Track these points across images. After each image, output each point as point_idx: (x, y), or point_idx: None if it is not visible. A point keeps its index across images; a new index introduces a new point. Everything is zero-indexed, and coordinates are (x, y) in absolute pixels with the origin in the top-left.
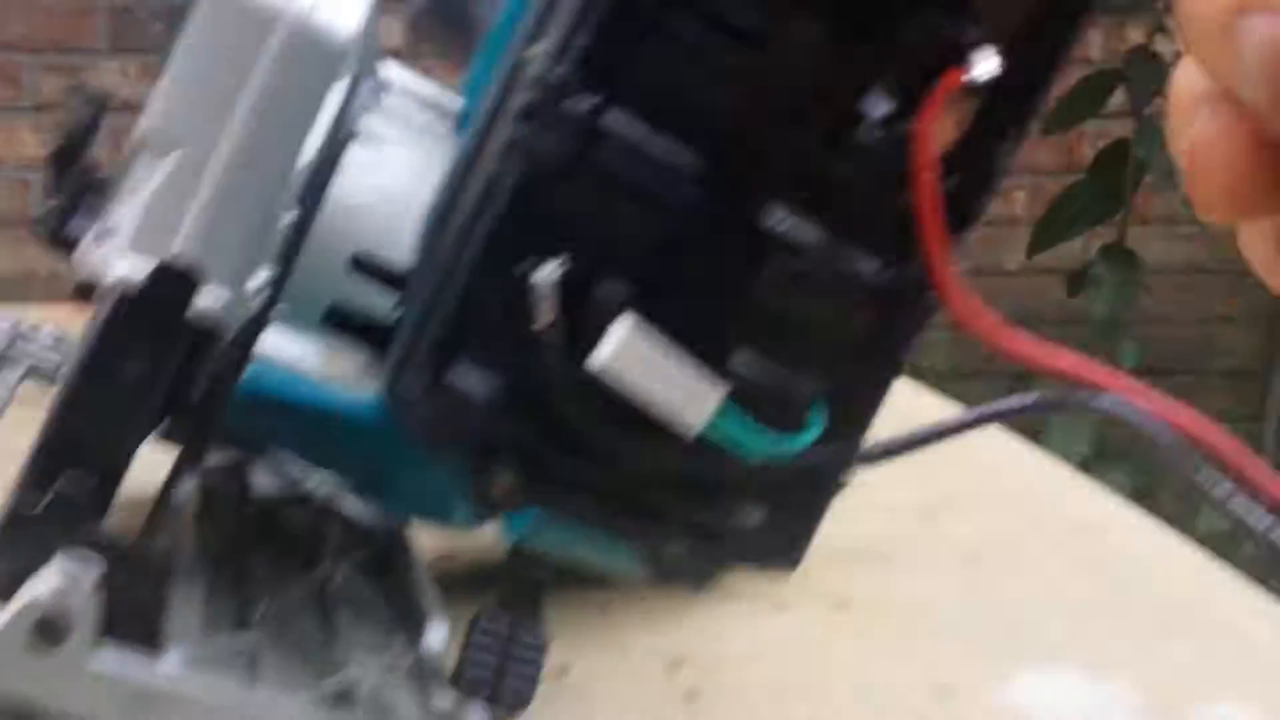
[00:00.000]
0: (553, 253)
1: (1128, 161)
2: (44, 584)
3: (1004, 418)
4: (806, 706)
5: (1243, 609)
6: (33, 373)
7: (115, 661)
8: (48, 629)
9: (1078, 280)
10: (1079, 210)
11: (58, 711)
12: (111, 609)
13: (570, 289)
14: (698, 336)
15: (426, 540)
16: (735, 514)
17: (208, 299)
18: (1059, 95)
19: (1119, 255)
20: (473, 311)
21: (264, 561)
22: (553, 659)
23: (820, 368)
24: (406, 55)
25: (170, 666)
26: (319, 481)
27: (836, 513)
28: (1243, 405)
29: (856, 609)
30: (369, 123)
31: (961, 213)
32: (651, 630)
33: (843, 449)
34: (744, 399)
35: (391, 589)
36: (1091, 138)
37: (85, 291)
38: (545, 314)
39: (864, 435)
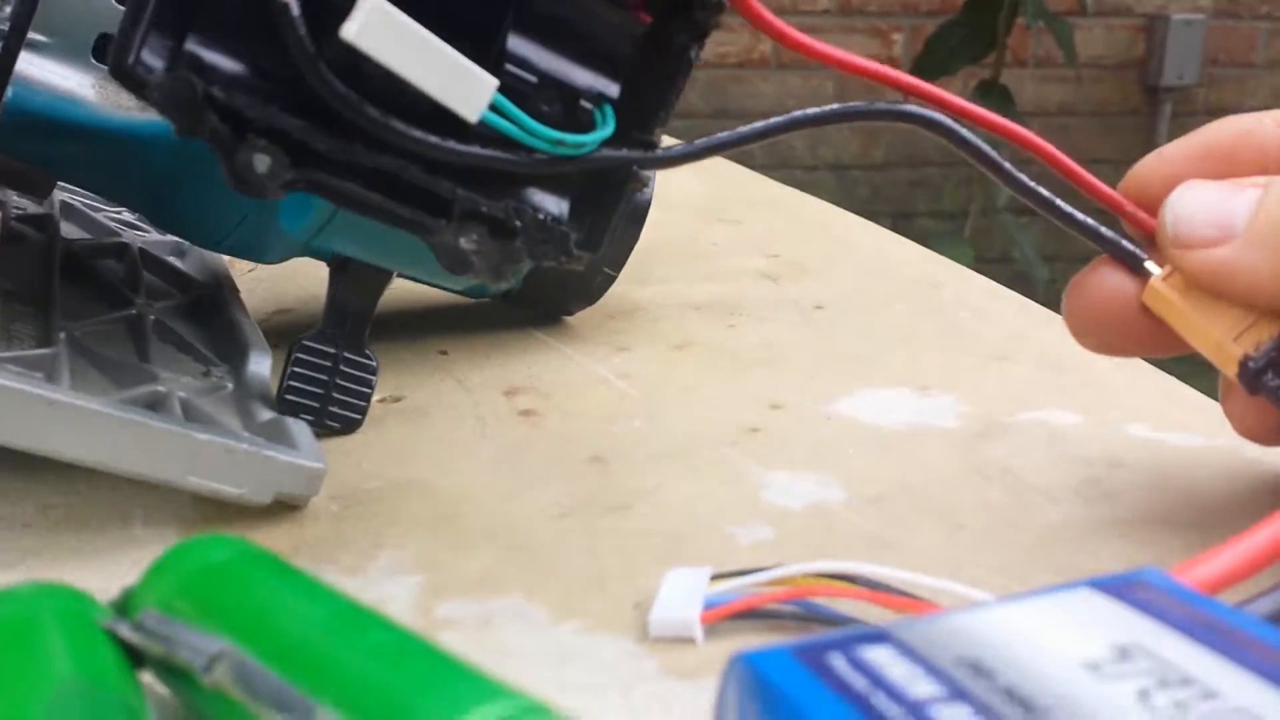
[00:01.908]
0: None
1: (1001, 2)
2: None
3: (817, 123)
4: (640, 420)
5: (1071, 343)
6: None
7: None
8: None
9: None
10: (954, 48)
11: None
12: None
13: None
14: (462, 25)
15: (259, 296)
16: (527, 207)
17: None
18: None
19: (994, 92)
20: None
21: (72, 298)
22: (385, 390)
23: (602, 68)
24: None
25: None
26: (136, 236)
27: (678, 276)
28: None
29: (698, 348)
30: None
31: None
32: (490, 367)
33: (636, 149)
34: (522, 94)
35: (212, 330)
36: None
37: None
38: None
39: (657, 138)
